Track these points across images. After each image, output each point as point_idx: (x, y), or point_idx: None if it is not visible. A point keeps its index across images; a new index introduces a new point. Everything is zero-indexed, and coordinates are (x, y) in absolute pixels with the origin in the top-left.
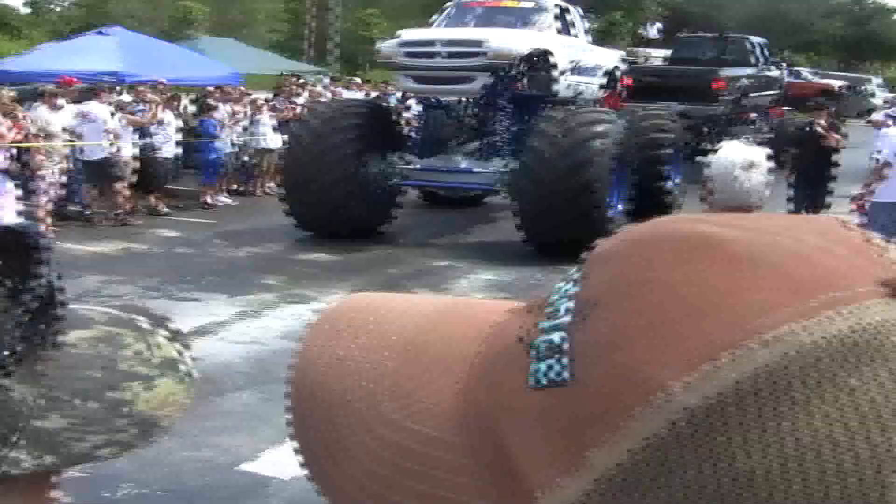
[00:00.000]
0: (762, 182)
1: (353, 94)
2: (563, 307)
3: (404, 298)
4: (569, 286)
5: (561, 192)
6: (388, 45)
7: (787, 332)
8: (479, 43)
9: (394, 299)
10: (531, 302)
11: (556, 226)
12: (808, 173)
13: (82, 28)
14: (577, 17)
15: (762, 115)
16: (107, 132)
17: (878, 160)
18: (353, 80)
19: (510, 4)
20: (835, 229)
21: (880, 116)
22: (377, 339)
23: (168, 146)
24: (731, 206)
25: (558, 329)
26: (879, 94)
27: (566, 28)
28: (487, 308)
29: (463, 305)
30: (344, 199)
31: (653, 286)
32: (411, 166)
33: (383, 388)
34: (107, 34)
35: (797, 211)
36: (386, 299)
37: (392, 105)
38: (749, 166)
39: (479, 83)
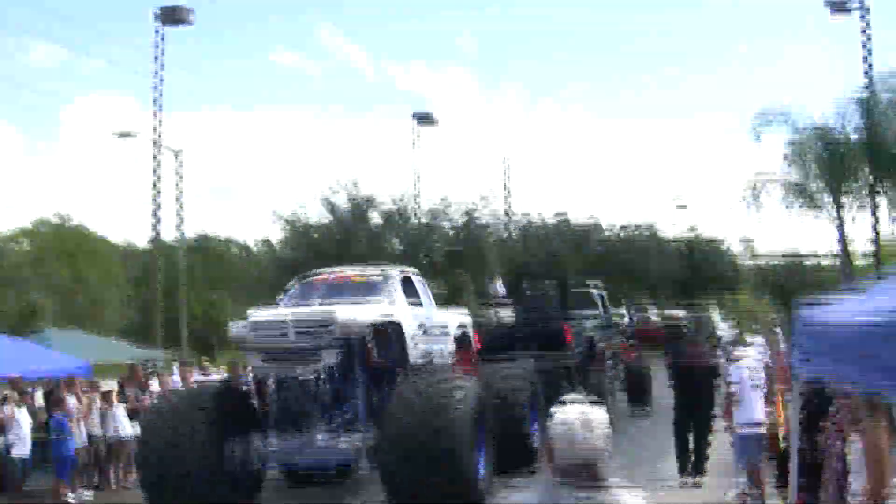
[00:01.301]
0: (602, 438)
1: (208, 378)
2: None
3: None
4: None
5: (424, 460)
6: (239, 327)
7: None
8: (326, 319)
9: None
10: None
11: (423, 493)
12: (691, 400)
13: None
14: (420, 285)
15: (614, 358)
16: None
17: (728, 383)
18: (205, 360)
19: (355, 279)
20: None
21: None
22: None
23: (20, 444)
24: (573, 465)
25: None
26: (722, 326)
27: (412, 296)
28: None
29: None
30: (205, 485)
31: None
32: (271, 448)
33: None
34: None
35: (680, 435)
36: None
37: (247, 385)
38: (588, 424)
39: (330, 358)
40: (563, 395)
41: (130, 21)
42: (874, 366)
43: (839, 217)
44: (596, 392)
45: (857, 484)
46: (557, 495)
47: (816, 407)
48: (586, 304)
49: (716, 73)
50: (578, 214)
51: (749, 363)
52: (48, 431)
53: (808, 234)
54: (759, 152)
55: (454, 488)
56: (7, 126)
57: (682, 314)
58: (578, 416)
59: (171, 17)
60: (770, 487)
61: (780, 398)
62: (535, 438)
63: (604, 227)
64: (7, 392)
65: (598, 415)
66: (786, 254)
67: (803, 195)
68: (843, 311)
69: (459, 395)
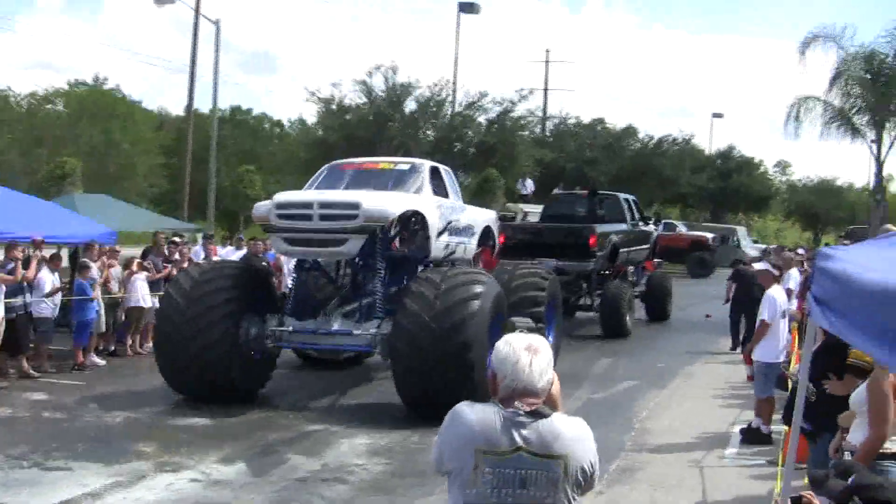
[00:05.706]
0: (546, 365)
1: (236, 254)
2: None
3: None
4: None
5: (437, 355)
6: (263, 206)
7: None
8: (353, 205)
9: None
10: None
11: (433, 388)
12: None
13: None
14: (449, 178)
15: (636, 268)
16: None
17: (761, 320)
18: (244, 240)
19: (383, 167)
20: None
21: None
22: None
23: (43, 305)
24: (518, 389)
25: None
26: (748, 245)
27: (439, 189)
28: None
29: None
30: (219, 361)
31: None
32: (287, 329)
33: None
34: None
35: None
36: None
37: (267, 265)
38: (531, 349)
39: (353, 245)
40: (580, 299)
41: None
42: None
43: (878, 143)
44: (613, 300)
45: (859, 434)
46: (500, 419)
47: (830, 353)
48: (616, 213)
49: None
50: (615, 120)
51: (779, 292)
52: (70, 295)
53: (845, 165)
54: (805, 77)
55: (461, 384)
56: None
57: (709, 235)
58: (523, 344)
59: None
60: (777, 425)
61: (795, 334)
62: (551, 340)
63: (639, 134)
64: (32, 253)
65: (541, 342)
66: (820, 181)
67: (843, 118)
68: (868, 259)
69: (476, 290)
